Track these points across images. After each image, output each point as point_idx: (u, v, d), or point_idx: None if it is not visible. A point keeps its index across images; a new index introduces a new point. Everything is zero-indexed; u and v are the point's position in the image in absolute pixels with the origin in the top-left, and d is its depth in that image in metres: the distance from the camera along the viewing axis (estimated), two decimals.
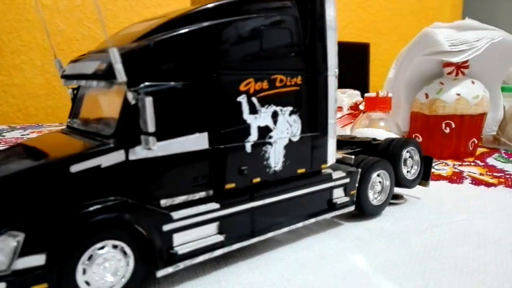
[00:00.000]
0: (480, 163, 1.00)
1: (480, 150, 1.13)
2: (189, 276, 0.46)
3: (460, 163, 0.99)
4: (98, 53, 0.43)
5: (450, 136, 1.02)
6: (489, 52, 0.97)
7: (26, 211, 0.35)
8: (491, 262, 0.50)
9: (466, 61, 1.00)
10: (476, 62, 1.01)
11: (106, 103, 0.42)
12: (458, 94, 0.99)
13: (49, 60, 2.05)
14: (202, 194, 0.45)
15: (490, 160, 1.03)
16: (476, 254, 0.51)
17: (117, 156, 0.38)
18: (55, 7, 2.05)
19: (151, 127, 0.37)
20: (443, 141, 1.02)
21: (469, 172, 0.91)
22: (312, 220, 0.55)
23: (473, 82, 1.01)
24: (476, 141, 1.05)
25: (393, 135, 0.93)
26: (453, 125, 1.00)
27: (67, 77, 0.46)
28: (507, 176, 0.88)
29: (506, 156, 1.08)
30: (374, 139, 0.71)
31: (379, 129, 1.00)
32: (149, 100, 0.37)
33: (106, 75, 0.38)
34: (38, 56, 2.03)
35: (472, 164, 0.99)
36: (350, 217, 0.62)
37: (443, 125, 1.01)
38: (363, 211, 0.61)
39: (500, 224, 0.61)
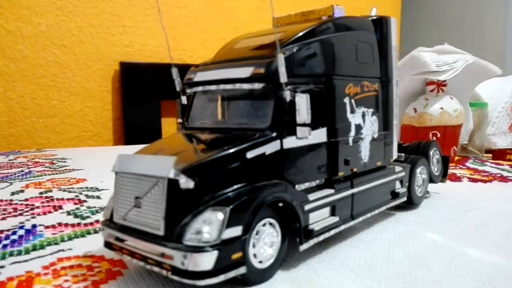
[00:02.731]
0: (463, 167, 1.15)
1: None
2: (309, 252, 0.52)
3: None
4: (236, 61, 0.49)
5: None
6: (462, 72, 1.15)
7: (221, 189, 0.40)
8: None
9: (445, 80, 1.17)
10: (451, 81, 1.18)
11: (254, 102, 0.49)
12: (442, 108, 1.15)
13: (11, 86, 1.99)
14: (317, 181, 0.52)
15: (469, 164, 1.20)
16: None
17: (276, 145, 0.45)
18: (19, 33, 2.00)
19: (309, 119, 0.44)
20: None
21: (460, 173, 1.06)
22: (383, 208, 0.63)
23: (451, 98, 1.18)
24: (456, 149, 1.21)
25: None
26: (439, 135, 1.16)
27: (196, 84, 0.52)
28: (493, 174, 1.03)
29: (479, 161, 1.25)
30: (402, 143, 0.83)
31: None
32: (307, 97, 0.44)
33: (267, 78, 0.45)
34: (1, 82, 1.95)
35: (457, 167, 1.15)
36: (395, 208, 0.72)
37: (430, 135, 1.16)
38: (411, 201, 0.71)
39: None
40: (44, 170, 1.15)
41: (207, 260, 0.37)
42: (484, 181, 0.96)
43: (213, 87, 0.50)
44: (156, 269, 0.40)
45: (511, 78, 1.50)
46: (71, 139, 2.12)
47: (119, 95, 2.16)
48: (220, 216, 0.38)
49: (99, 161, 1.34)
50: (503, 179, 0.98)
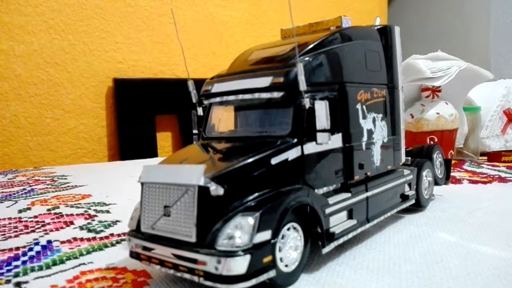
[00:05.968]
0: (461, 170, 1.18)
1: None
2: (327, 256, 0.53)
3: None
4: (253, 72, 0.51)
5: None
6: (456, 78, 1.18)
7: (249, 194, 0.42)
8: None
9: (439, 86, 1.20)
10: (446, 86, 1.21)
11: (273, 110, 0.50)
12: (438, 113, 1.18)
13: (5, 105, 1.98)
14: (334, 185, 0.54)
15: (466, 167, 1.22)
16: None
17: (297, 151, 0.47)
18: (11, 52, 1.99)
19: (328, 125, 0.46)
20: None
21: (460, 176, 1.08)
22: (394, 210, 0.65)
23: (446, 103, 1.21)
24: (452, 152, 1.24)
25: None
26: (436, 139, 1.19)
27: (214, 95, 0.53)
28: (492, 176, 1.06)
29: (476, 164, 1.28)
30: (406, 147, 0.85)
31: None
32: (326, 103, 0.46)
33: (286, 86, 0.47)
34: None
35: (455, 170, 1.17)
36: (404, 211, 0.74)
37: (428, 140, 1.19)
38: (419, 203, 0.73)
39: None
40: (46, 188, 1.15)
41: (240, 264, 0.38)
42: (484, 182, 0.98)
43: (231, 98, 0.52)
44: (187, 276, 0.41)
45: (500, 82, 1.55)
46: (65, 156, 2.11)
47: (113, 111, 2.16)
48: (250, 221, 0.39)
49: (99, 177, 1.34)
50: (502, 180, 1.01)
